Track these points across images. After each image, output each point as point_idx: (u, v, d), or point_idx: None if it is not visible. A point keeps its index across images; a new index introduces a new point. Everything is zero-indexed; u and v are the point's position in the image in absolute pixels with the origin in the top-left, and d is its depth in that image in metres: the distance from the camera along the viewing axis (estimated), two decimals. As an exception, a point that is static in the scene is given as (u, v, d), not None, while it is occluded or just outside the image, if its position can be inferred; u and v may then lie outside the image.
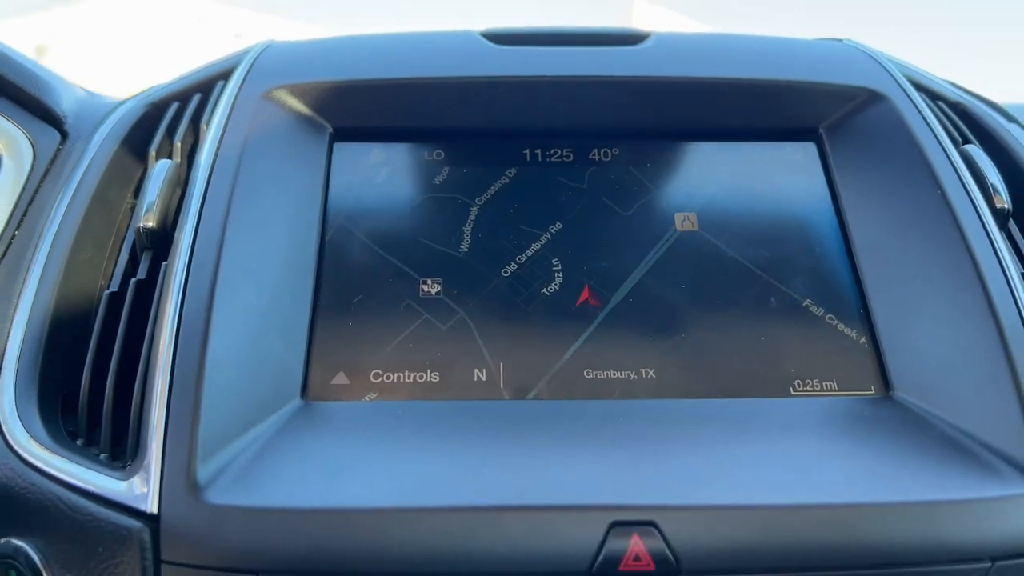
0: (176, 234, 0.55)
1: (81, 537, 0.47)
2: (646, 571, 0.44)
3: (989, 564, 0.46)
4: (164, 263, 0.55)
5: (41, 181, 0.64)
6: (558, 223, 0.59)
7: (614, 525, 0.45)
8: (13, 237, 0.61)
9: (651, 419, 0.53)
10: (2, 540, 0.50)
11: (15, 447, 0.51)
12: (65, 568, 0.48)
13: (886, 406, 0.54)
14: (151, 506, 0.46)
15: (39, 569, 0.48)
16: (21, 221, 0.61)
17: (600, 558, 0.45)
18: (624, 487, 0.47)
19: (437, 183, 0.61)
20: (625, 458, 0.50)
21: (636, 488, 0.47)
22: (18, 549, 0.49)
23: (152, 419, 0.48)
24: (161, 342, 0.50)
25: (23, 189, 0.63)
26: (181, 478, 0.47)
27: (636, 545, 0.45)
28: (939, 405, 0.52)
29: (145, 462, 0.48)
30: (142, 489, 0.47)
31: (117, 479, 0.49)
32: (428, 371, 0.55)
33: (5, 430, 0.51)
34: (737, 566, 0.45)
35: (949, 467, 0.49)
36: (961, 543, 0.46)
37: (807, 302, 0.57)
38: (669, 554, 0.45)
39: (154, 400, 0.49)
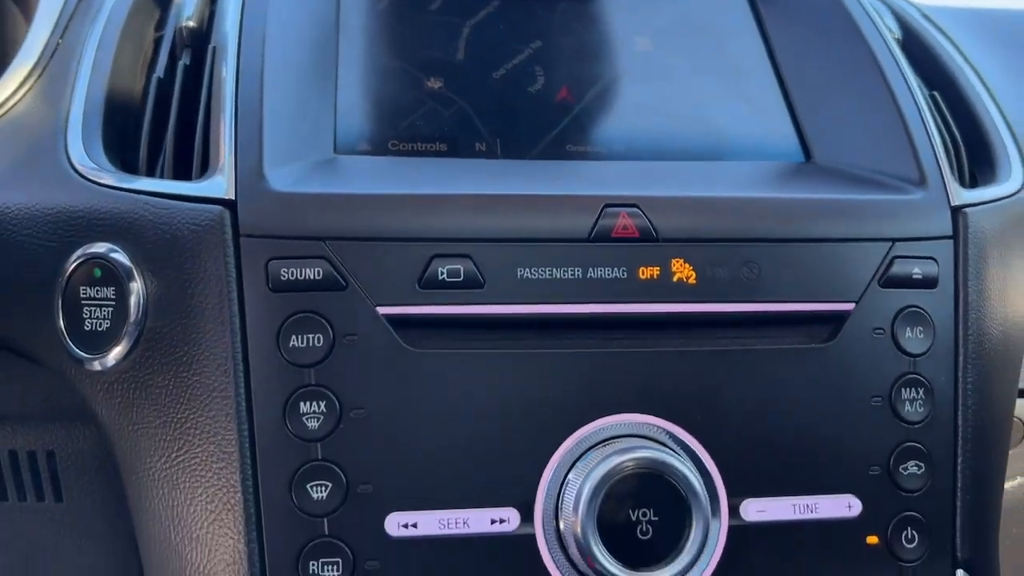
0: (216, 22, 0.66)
1: (165, 231, 0.56)
2: (632, 237, 0.57)
3: (890, 243, 0.60)
4: (211, 45, 0.65)
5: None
6: (539, 42, 0.72)
7: (606, 206, 0.57)
8: (58, 45, 0.70)
9: (626, 164, 0.66)
10: (89, 243, 0.58)
11: (89, 175, 0.59)
12: (150, 262, 0.56)
13: (808, 166, 0.68)
14: (228, 194, 0.56)
15: (128, 265, 0.56)
16: (65, 29, 0.71)
17: (596, 228, 0.57)
18: (614, 185, 0.60)
19: (433, 8, 0.73)
20: (613, 172, 0.64)
21: (622, 185, 0.60)
22: (106, 248, 0.57)
23: (221, 133, 0.58)
24: (222, 85, 0.60)
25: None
26: (252, 175, 0.56)
27: (624, 219, 0.57)
28: (851, 163, 0.67)
29: (217, 167, 0.57)
30: (217, 183, 0.57)
31: (192, 184, 0.58)
32: (437, 143, 0.66)
33: (75, 162, 0.60)
34: (698, 236, 0.58)
35: (863, 186, 0.63)
36: (871, 230, 0.60)
37: (739, 92, 0.72)
38: (650, 225, 0.57)
39: (222, 122, 0.58)
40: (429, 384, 0.55)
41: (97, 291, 0.58)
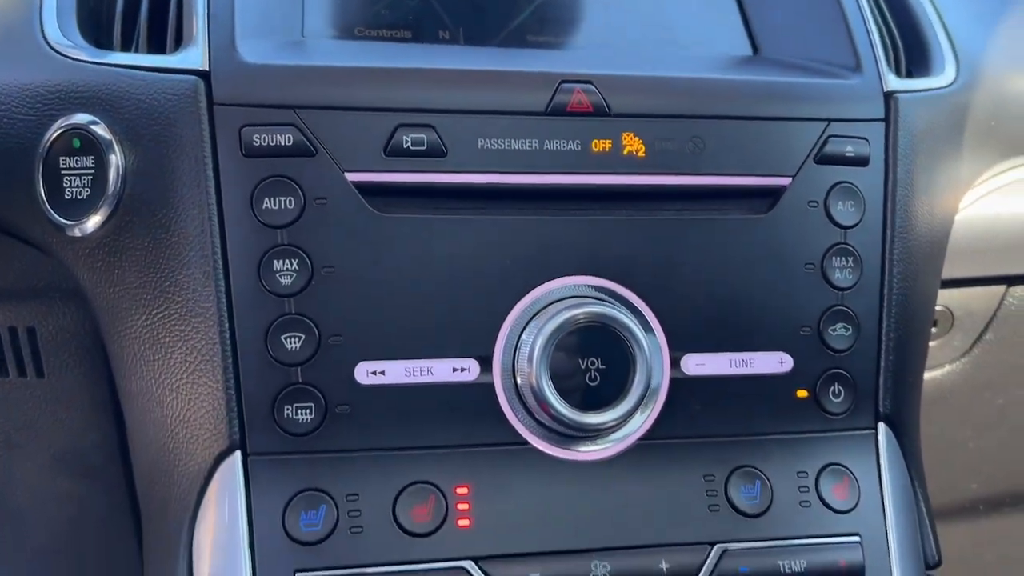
0: None
1: (142, 102, 0.59)
2: (586, 112, 0.61)
3: (825, 123, 0.64)
4: None
5: None
6: None
7: (562, 82, 0.61)
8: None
9: (583, 51, 0.70)
10: (68, 114, 0.60)
11: (66, 51, 0.61)
12: (128, 131, 0.59)
13: (755, 58, 0.72)
14: (202, 65, 0.59)
15: (106, 136, 0.59)
16: None
17: (552, 103, 0.60)
18: (570, 65, 0.64)
19: None
20: (570, 56, 0.69)
21: (578, 65, 0.64)
22: (86, 120, 0.60)
23: (194, 7, 0.61)
24: None
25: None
26: (225, 48, 0.59)
27: (579, 95, 0.61)
28: (795, 55, 0.71)
29: (191, 40, 0.60)
30: (192, 55, 0.59)
31: (167, 56, 0.61)
32: (401, 30, 0.69)
33: (51, 40, 0.62)
34: (648, 111, 0.62)
35: (803, 73, 0.68)
36: (808, 111, 0.64)
37: None
38: (603, 101, 0.61)
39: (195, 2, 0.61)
40: (394, 246, 0.58)
41: (76, 161, 0.60)
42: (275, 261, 0.58)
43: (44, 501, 0.83)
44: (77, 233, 0.60)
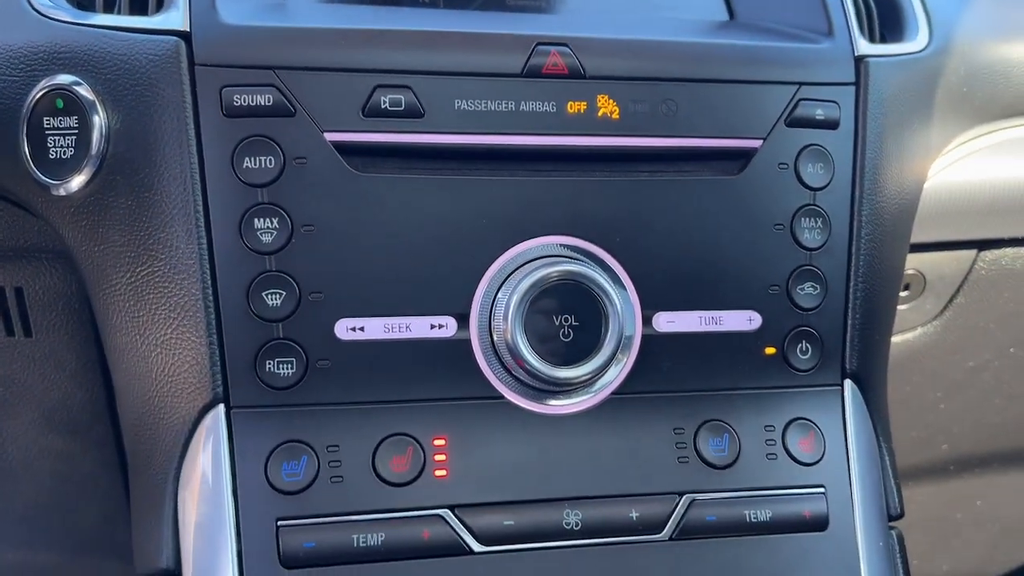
0: None
1: (124, 63, 0.60)
2: (561, 74, 0.62)
3: (796, 87, 0.65)
4: None
5: None
6: None
7: (538, 44, 0.62)
8: None
9: (561, 13, 0.71)
10: (51, 75, 0.61)
11: (48, 12, 0.62)
12: (111, 92, 0.60)
13: (730, 23, 0.73)
14: (183, 26, 0.60)
15: (89, 96, 0.60)
16: None
17: (528, 64, 0.62)
18: (547, 27, 0.65)
19: None
20: (546, 20, 0.70)
21: (555, 28, 0.65)
22: (70, 80, 0.60)
23: None
24: None
25: None
26: (206, 9, 0.60)
27: (555, 57, 0.62)
28: (769, 20, 0.72)
29: (171, 3, 0.61)
30: (173, 17, 0.60)
31: (148, 18, 0.62)
32: None
33: (33, 1, 0.62)
34: (622, 74, 0.63)
35: (776, 37, 0.69)
36: (779, 74, 0.66)
37: None
38: (578, 63, 0.62)
39: None
40: (373, 205, 0.60)
41: (60, 121, 0.61)
42: (256, 219, 0.59)
43: (34, 458, 0.85)
44: (62, 192, 0.61)
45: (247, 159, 0.59)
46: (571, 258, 0.62)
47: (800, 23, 0.72)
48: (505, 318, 0.59)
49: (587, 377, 0.60)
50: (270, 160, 0.59)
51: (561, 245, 0.62)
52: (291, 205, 0.59)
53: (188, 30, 0.60)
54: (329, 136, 0.60)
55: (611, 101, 0.63)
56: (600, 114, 0.63)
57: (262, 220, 0.59)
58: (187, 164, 0.59)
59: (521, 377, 0.61)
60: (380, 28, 0.61)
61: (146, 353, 0.61)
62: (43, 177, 0.61)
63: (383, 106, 0.60)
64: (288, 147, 0.59)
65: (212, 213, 0.59)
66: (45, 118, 0.61)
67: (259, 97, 0.59)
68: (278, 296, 0.59)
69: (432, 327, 0.60)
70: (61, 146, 0.61)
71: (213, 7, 0.60)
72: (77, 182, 0.61)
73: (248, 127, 0.59)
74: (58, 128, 0.61)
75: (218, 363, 0.59)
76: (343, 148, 0.60)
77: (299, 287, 0.59)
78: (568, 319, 0.60)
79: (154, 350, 0.60)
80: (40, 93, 0.61)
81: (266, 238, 0.59)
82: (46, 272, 0.75)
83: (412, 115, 0.60)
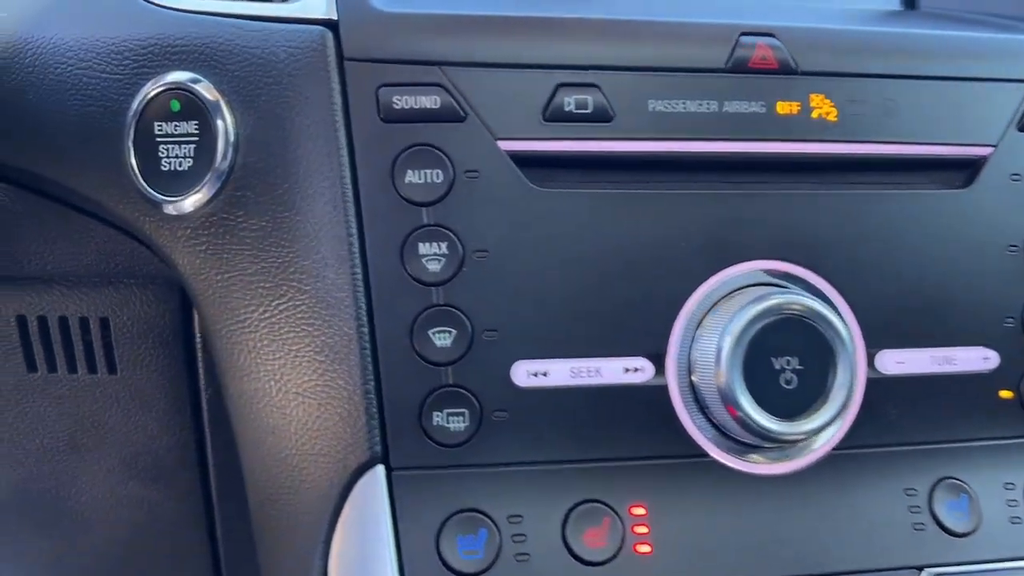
0: None
1: (256, 57, 0.50)
2: (770, 69, 0.52)
3: None
4: None
5: None
6: None
7: (742, 34, 0.52)
8: None
9: None
10: (163, 72, 0.52)
11: (160, 1, 0.53)
12: (239, 92, 0.50)
13: (918, 13, 0.64)
14: (328, 13, 0.50)
15: (212, 97, 0.50)
16: None
17: (732, 58, 0.52)
18: (746, 15, 0.55)
19: None
20: (739, 3, 0.60)
21: (760, 15, 0.55)
22: (187, 78, 0.51)
23: None
24: None
25: None
26: None
27: (762, 49, 0.52)
28: (956, 7, 0.63)
29: None
30: (315, 2, 0.51)
31: (285, 4, 0.52)
32: None
33: None
34: (839, 70, 0.53)
35: (991, 28, 0.60)
36: (1009, 70, 0.56)
37: None
38: (789, 57, 0.53)
39: None
40: (556, 225, 0.50)
41: (175, 126, 0.52)
42: (420, 244, 0.49)
43: (110, 505, 0.75)
44: (175, 211, 0.52)
45: (409, 172, 0.49)
46: (783, 287, 0.52)
47: (995, 9, 0.63)
48: (717, 360, 0.50)
49: (813, 431, 0.51)
50: (437, 174, 0.50)
51: (766, 271, 0.53)
52: (462, 227, 0.50)
53: (335, 18, 0.50)
54: (504, 145, 0.50)
55: (827, 101, 0.53)
56: (815, 116, 0.53)
57: (428, 244, 0.49)
58: (337, 179, 0.49)
59: (730, 431, 0.51)
60: (563, 16, 0.52)
61: (283, 403, 0.51)
62: (154, 193, 0.52)
63: (567, 108, 0.51)
64: (458, 158, 0.50)
65: (368, 237, 0.49)
66: (157, 123, 0.52)
67: (424, 99, 0.49)
68: (447, 335, 0.49)
69: (625, 370, 0.51)
70: (177, 156, 0.52)
71: None
72: (196, 199, 0.51)
73: (411, 135, 0.49)
74: (173, 135, 0.52)
75: (376, 415, 0.49)
76: (520, 159, 0.50)
77: (471, 324, 0.49)
78: (789, 362, 0.51)
79: (294, 399, 0.50)
80: (151, 94, 0.52)
81: (433, 266, 0.50)
82: (136, 300, 0.66)
83: (600, 119, 0.51)
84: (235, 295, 0.52)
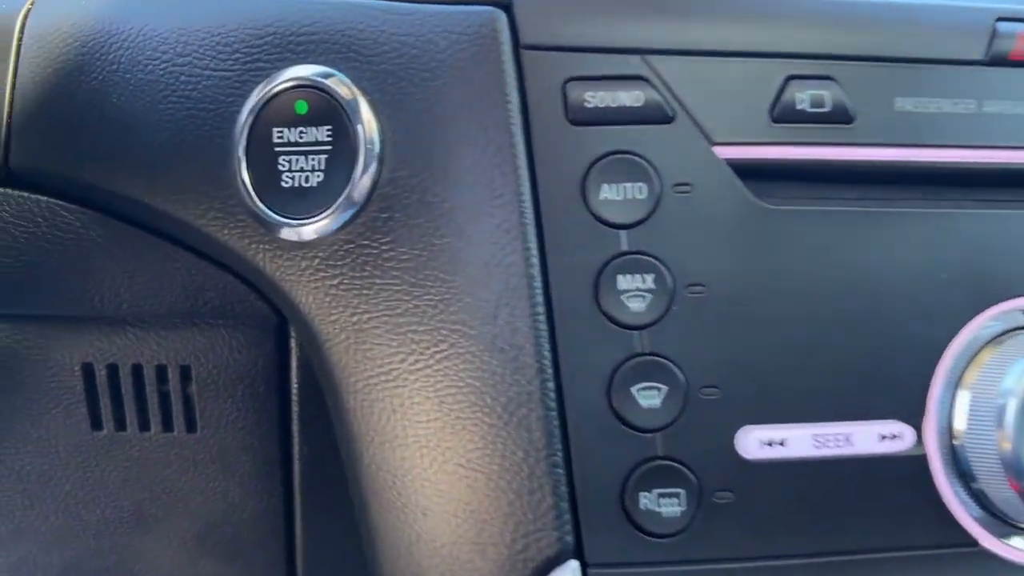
0: None
1: (405, 45, 0.40)
2: None
3: None
4: None
5: None
6: None
7: (998, 20, 0.43)
8: None
9: None
10: (285, 67, 0.42)
11: None
12: (385, 88, 0.40)
13: None
14: None
15: (349, 95, 0.40)
16: None
17: (992, 48, 0.42)
18: None
19: None
20: None
21: None
22: (316, 73, 0.41)
23: None
24: None
25: None
26: None
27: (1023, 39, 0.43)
28: None
29: None
30: None
31: None
32: None
33: None
34: None
35: None
36: None
37: None
38: None
39: None
40: (789, 252, 0.40)
41: (301, 133, 0.42)
42: (619, 276, 0.39)
43: (178, 587, 0.65)
44: (298, 236, 0.42)
45: (605, 187, 0.39)
46: None
47: None
48: (999, 423, 0.39)
49: None
50: (640, 188, 0.40)
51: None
52: (671, 254, 0.39)
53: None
54: (723, 151, 0.40)
55: (1104, 101, 0.44)
56: (1087, 120, 0.44)
57: (629, 277, 0.39)
58: (513, 196, 0.39)
59: (999, 508, 0.41)
60: None
61: (439, 477, 0.40)
62: (272, 214, 0.42)
63: (799, 107, 0.41)
64: (665, 169, 0.40)
65: (553, 267, 0.39)
66: (277, 129, 0.42)
67: (623, 95, 0.40)
68: (655, 393, 0.39)
69: (882, 438, 0.41)
70: (302, 170, 0.42)
71: None
72: (328, 222, 0.41)
73: (607, 140, 0.39)
74: (298, 144, 0.42)
75: (566, 495, 0.39)
76: (743, 168, 0.40)
77: (685, 378, 0.39)
78: None
79: (454, 473, 0.40)
80: (271, 93, 0.42)
81: (635, 304, 0.39)
82: (223, 344, 0.55)
83: (839, 120, 0.41)
84: (377, 341, 0.41)
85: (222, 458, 0.58)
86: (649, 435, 0.39)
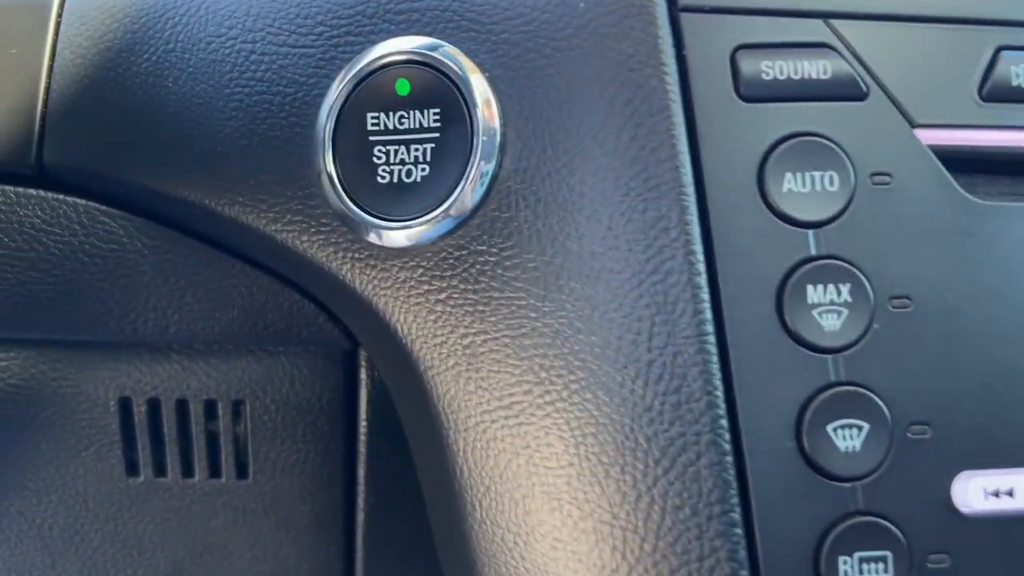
0: None
1: (535, 14, 0.33)
2: None
3: None
4: None
5: None
6: None
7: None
8: None
9: None
10: (380, 40, 0.35)
11: None
12: (505, 64, 0.33)
13: None
14: None
15: (467, 74, 0.33)
16: None
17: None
18: None
19: None
20: None
21: None
22: (421, 46, 0.34)
23: None
24: None
25: None
26: None
27: None
28: None
29: None
30: None
31: None
32: None
33: None
34: None
35: None
36: None
37: None
38: None
39: None
40: (1012, 259, 0.33)
41: (402, 119, 0.35)
42: (809, 287, 0.32)
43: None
44: (397, 242, 0.35)
45: (789, 177, 0.32)
46: None
47: None
48: None
49: None
50: (831, 178, 0.32)
51: None
52: (871, 261, 0.32)
53: None
54: (926, 135, 0.33)
55: None
56: None
57: (821, 288, 0.32)
58: (672, 188, 0.32)
59: None
60: None
61: (574, 539, 0.33)
62: (366, 215, 0.35)
63: (1015, 83, 0.34)
64: (859, 155, 0.32)
65: (724, 275, 0.32)
66: (372, 115, 0.35)
67: (807, 65, 0.33)
68: (855, 432, 0.32)
69: None
70: (403, 163, 0.35)
71: None
72: (435, 225, 0.34)
73: (789, 119, 0.32)
74: (399, 131, 0.35)
75: (745, 563, 0.31)
76: (950, 157, 0.33)
77: (891, 415, 0.32)
78: None
79: (599, 533, 0.32)
80: (363, 72, 0.35)
81: (829, 322, 0.32)
82: (283, 376, 0.48)
83: None
84: (496, 368, 0.34)
85: (276, 509, 0.50)
86: (848, 485, 0.31)
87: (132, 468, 0.48)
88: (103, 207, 0.41)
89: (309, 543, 0.51)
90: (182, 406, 0.47)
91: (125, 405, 0.47)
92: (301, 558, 0.52)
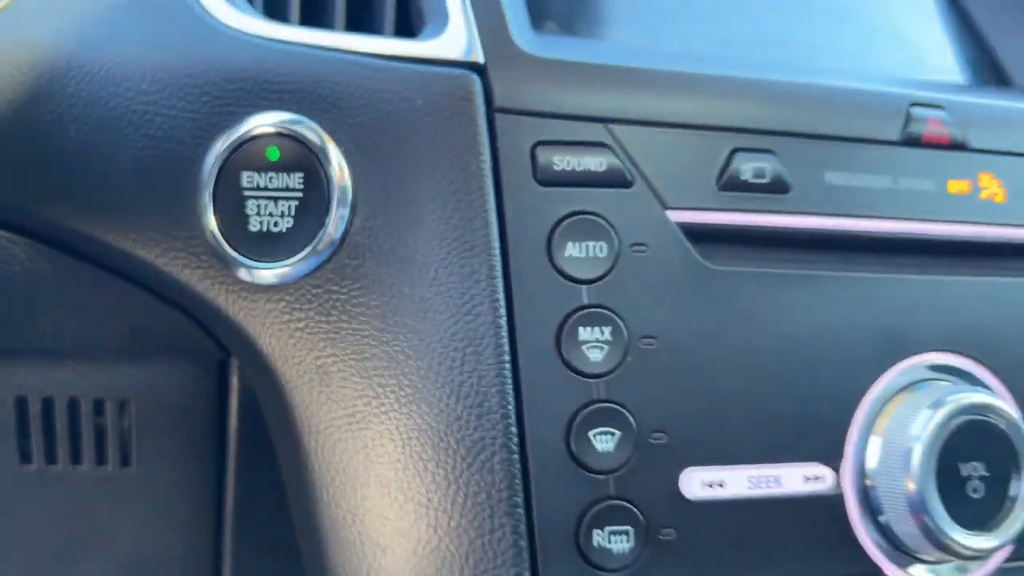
0: None
1: (382, 100, 0.42)
2: (942, 144, 0.48)
3: None
4: None
5: None
6: None
7: (912, 105, 0.48)
8: None
9: None
10: (258, 112, 0.43)
11: (269, 34, 0.44)
12: (358, 139, 0.42)
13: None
14: (474, 56, 0.43)
15: (324, 144, 0.42)
16: None
17: (906, 130, 0.48)
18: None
19: None
20: None
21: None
22: (287, 119, 0.42)
23: None
24: None
25: None
26: (498, 34, 0.43)
27: (934, 124, 0.48)
28: None
29: (441, 20, 0.44)
30: (456, 40, 0.43)
31: (418, 41, 0.44)
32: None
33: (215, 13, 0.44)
34: (1009, 148, 0.50)
35: None
36: None
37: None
38: (960, 132, 0.49)
39: None
40: (731, 310, 0.44)
41: (271, 179, 0.43)
42: (581, 329, 0.42)
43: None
44: (264, 279, 0.43)
45: (570, 245, 0.42)
46: (955, 383, 0.47)
47: None
48: (905, 466, 0.44)
49: (1001, 546, 0.45)
50: (600, 247, 0.42)
51: (932, 366, 0.48)
52: (627, 309, 0.42)
53: (482, 61, 0.43)
54: (675, 215, 0.44)
55: (996, 181, 0.49)
56: (983, 196, 0.49)
57: (589, 329, 0.42)
58: (484, 249, 0.41)
59: (905, 543, 0.45)
60: (737, 75, 0.46)
61: (400, 516, 0.42)
62: (239, 256, 0.43)
63: (743, 177, 0.45)
64: (624, 229, 0.43)
65: (519, 320, 0.41)
66: (247, 173, 0.43)
67: (588, 160, 0.43)
68: (610, 437, 0.42)
69: (806, 479, 0.44)
70: (271, 214, 0.43)
71: (506, 31, 0.44)
72: (297, 267, 0.42)
73: (572, 201, 0.42)
74: (268, 189, 0.43)
75: (524, 534, 0.41)
76: (692, 232, 0.44)
77: (637, 425, 0.42)
78: (976, 468, 0.45)
79: (413, 514, 0.41)
80: (242, 138, 0.43)
81: (595, 355, 0.42)
82: (164, 380, 0.55)
83: (777, 190, 0.45)
84: (342, 384, 0.43)
85: (154, 495, 0.57)
86: (603, 477, 0.41)
87: (25, 456, 0.54)
88: (10, 235, 0.48)
89: (183, 527, 0.58)
90: (73, 403, 0.54)
91: (21, 403, 0.53)
92: (176, 540, 0.59)
